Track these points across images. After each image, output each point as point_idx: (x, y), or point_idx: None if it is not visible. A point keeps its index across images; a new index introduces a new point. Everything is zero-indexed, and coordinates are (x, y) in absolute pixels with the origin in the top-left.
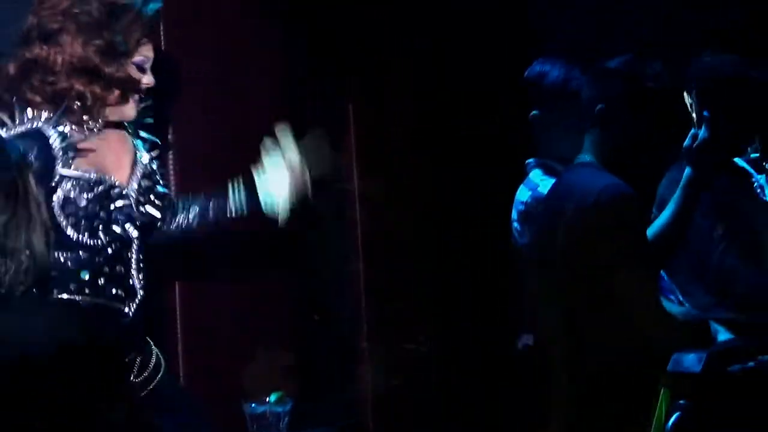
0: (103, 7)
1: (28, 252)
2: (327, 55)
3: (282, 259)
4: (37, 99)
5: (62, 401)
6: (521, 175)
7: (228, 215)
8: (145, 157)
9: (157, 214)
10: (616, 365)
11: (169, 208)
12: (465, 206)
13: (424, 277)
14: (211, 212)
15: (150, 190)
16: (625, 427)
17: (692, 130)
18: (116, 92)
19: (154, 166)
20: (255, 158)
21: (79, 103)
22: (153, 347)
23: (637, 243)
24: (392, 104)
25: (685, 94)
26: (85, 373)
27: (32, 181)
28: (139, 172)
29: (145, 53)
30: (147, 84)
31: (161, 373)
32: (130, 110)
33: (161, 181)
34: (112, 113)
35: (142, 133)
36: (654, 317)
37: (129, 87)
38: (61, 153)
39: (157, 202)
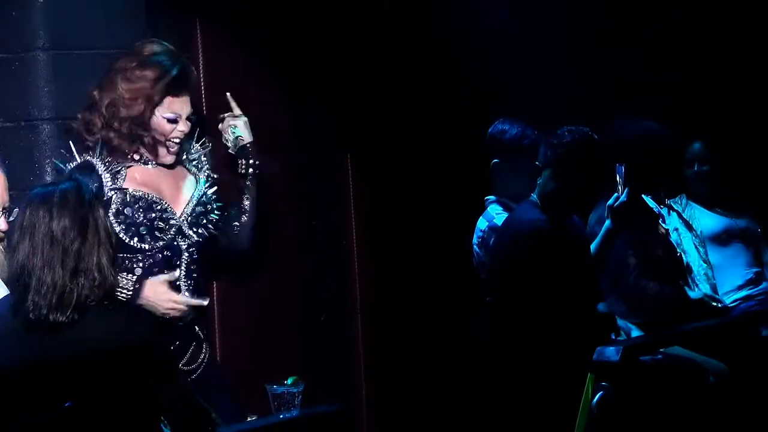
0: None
1: (97, 271)
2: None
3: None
4: (87, 143)
5: (128, 388)
6: (481, 208)
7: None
8: (202, 189)
9: (206, 235)
10: (551, 358)
11: (224, 231)
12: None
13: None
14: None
15: (203, 215)
16: (562, 404)
17: (615, 194)
18: (156, 140)
19: (212, 198)
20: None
21: (115, 145)
22: (200, 336)
23: (545, 264)
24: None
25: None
26: (144, 361)
27: (100, 210)
28: (194, 201)
29: (175, 109)
30: (180, 133)
31: (206, 359)
32: (165, 152)
33: (217, 211)
34: (155, 153)
35: (204, 171)
36: (574, 319)
37: (159, 132)
38: (109, 177)
39: (209, 226)
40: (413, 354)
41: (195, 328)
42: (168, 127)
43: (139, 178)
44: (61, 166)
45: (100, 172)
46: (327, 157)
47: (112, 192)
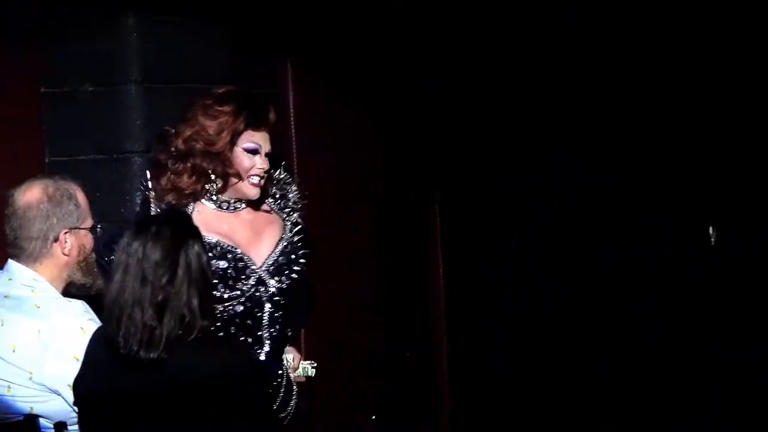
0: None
1: (187, 310)
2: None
3: None
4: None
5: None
6: None
7: None
8: (289, 235)
9: (290, 283)
10: None
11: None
12: None
13: None
14: None
15: (285, 266)
16: None
17: None
18: (235, 174)
19: (298, 245)
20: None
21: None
22: (288, 375)
23: None
24: None
25: None
26: (239, 395)
27: (195, 247)
28: (278, 250)
29: (256, 140)
30: (260, 170)
31: (295, 406)
32: (247, 189)
33: (302, 260)
34: (236, 192)
35: (293, 216)
36: None
37: (239, 167)
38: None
39: (293, 275)
40: (499, 389)
41: (283, 367)
42: (248, 161)
43: (210, 225)
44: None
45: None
46: (415, 196)
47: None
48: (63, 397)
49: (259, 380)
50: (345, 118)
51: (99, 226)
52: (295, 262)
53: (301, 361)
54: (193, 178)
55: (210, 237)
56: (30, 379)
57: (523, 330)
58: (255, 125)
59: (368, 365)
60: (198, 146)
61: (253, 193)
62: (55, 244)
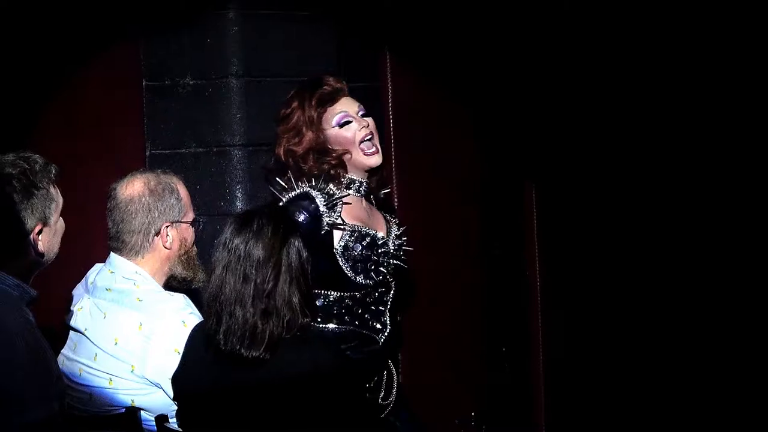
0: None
1: (288, 309)
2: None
3: None
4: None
5: (323, 419)
6: None
7: None
8: (392, 222)
9: (405, 266)
10: None
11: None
12: None
13: None
14: None
15: (401, 246)
16: None
17: None
18: (343, 153)
19: (400, 232)
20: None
21: (329, 172)
22: (392, 371)
23: None
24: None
25: None
26: (345, 393)
27: (296, 244)
28: (393, 232)
29: (341, 108)
30: (365, 130)
31: (397, 391)
32: (365, 159)
33: (402, 251)
34: (358, 167)
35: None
36: None
37: (344, 143)
38: (326, 209)
39: (404, 257)
40: (595, 387)
41: (389, 363)
42: (347, 133)
43: (352, 211)
44: (278, 195)
45: (317, 201)
46: (511, 188)
47: (330, 223)
48: (164, 390)
49: (355, 376)
50: (443, 110)
51: (201, 219)
52: (401, 247)
53: None
54: (321, 177)
55: (358, 225)
56: (131, 371)
57: (620, 329)
58: (327, 101)
59: (467, 361)
60: (297, 151)
61: (374, 160)
62: (156, 237)
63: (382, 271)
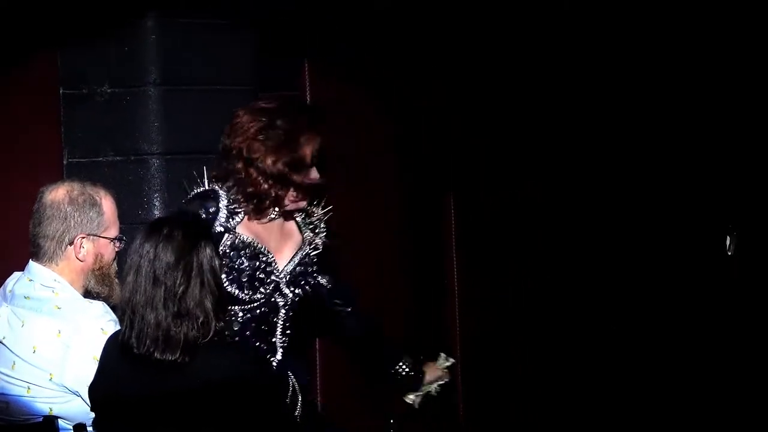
0: (283, 133)
1: (201, 312)
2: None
3: None
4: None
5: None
6: None
7: (382, 365)
8: (307, 249)
9: (301, 295)
10: None
11: (326, 296)
12: None
13: None
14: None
15: (303, 275)
16: None
17: None
18: (298, 192)
19: (314, 259)
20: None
21: (265, 201)
22: (295, 385)
23: None
24: None
25: None
26: (267, 400)
27: (207, 249)
28: (297, 259)
29: (314, 176)
30: (315, 180)
31: (300, 404)
32: (304, 204)
33: (317, 274)
34: (291, 206)
35: (319, 237)
36: None
37: (312, 189)
38: (226, 212)
39: (306, 288)
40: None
41: (289, 375)
42: (300, 195)
43: (252, 225)
44: (186, 189)
45: (220, 205)
46: (430, 197)
47: (221, 228)
48: (83, 399)
49: (272, 388)
50: (363, 120)
51: (123, 238)
52: (310, 274)
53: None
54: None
55: (249, 237)
56: (50, 380)
57: (537, 332)
58: (313, 164)
59: None
60: (246, 163)
61: (293, 207)
62: (70, 247)
63: (257, 287)
